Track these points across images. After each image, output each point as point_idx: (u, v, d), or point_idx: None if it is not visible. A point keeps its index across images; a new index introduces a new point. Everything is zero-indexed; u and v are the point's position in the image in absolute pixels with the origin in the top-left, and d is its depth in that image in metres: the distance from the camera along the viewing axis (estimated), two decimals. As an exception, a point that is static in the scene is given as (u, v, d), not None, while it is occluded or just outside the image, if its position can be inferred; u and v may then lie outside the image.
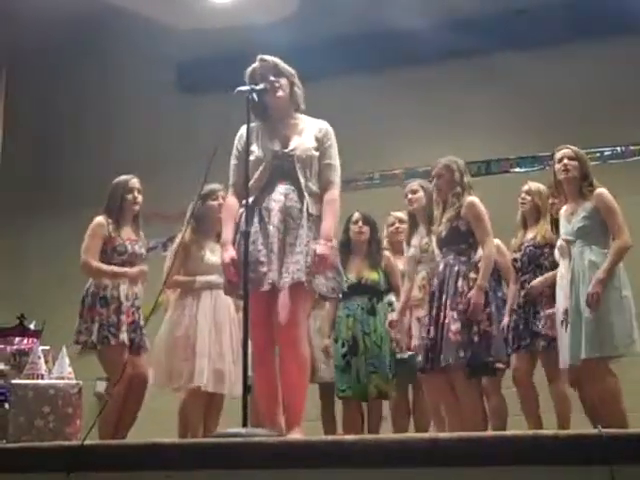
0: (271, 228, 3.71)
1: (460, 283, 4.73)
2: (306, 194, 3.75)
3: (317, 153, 3.82)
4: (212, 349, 5.07)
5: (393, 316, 5.45)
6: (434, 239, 5.00)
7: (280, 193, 3.76)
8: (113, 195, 5.17)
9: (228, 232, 3.83)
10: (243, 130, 3.89)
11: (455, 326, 4.66)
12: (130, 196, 5.15)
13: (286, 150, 3.83)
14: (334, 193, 3.80)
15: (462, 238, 4.82)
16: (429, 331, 4.78)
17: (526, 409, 5.14)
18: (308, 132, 3.87)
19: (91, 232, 5.09)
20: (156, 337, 5.19)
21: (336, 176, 3.85)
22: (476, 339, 4.65)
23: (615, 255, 4.49)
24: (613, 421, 4.08)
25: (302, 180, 3.77)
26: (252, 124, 3.89)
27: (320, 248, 3.65)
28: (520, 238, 5.31)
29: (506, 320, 5.18)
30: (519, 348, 5.12)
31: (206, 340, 5.07)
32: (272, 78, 3.88)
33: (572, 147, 4.78)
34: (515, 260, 5.28)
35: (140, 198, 5.20)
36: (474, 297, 4.66)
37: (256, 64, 3.94)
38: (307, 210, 3.73)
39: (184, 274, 5.24)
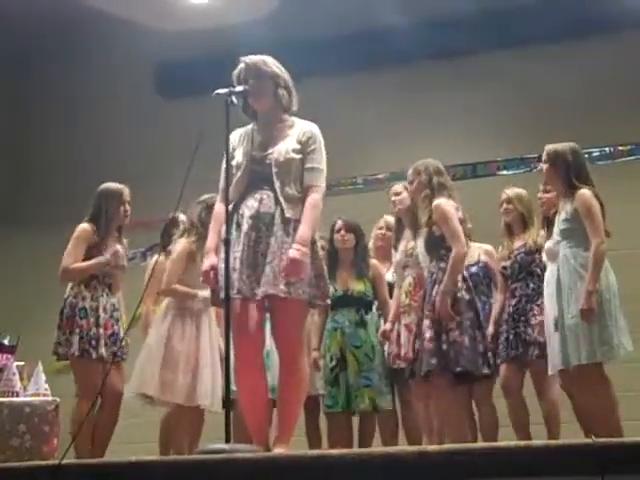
0: (242, 236, 3.63)
1: (435, 291, 4.63)
2: (282, 199, 3.65)
3: (298, 156, 3.70)
4: (213, 365, 4.91)
5: (384, 326, 5.33)
6: (419, 245, 4.88)
7: (255, 199, 3.68)
8: (103, 203, 5.00)
9: (212, 240, 3.75)
10: (234, 133, 3.82)
11: (428, 334, 4.57)
12: (122, 208, 5.03)
13: (264, 154, 3.73)
14: (315, 197, 3.68)
15: (439, 243, 4.69)
16: (413, 341, 4.71)
17: (516, 421, 5.03)
18: (292, 135, 3.76)
19: (75, 238, 4.94)
20: (145, 346, 5.00)
21: (319, 180, 3.73)
22: (444, 347, 4.54)
23: (595, 263, 4.34)
24: (608, 430, 3.97)
25: (278, 184, 3.66)
26: (248, 127, 3.83)
27: (292, 252, 3.54)
28: (508, 246, 5.20)
29: (491, 329, 5.06)
30: (509, 358, 5.01)
31: (208, 356, 4.93)
32: (252, 81, 3.77)
33: (549, 147, 4.63)
34: (505, 268, 5.17)
35: (129, 210, 5.08)
36: (437, 302, 4.56)
37: (240, 65, 3.83)
38: (282, 215, 3.63)
39: (183, 283, 5.00)
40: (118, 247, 5.00)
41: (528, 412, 5.05)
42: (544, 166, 4.63)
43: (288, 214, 3.63)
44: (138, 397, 4.97)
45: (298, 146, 3.72)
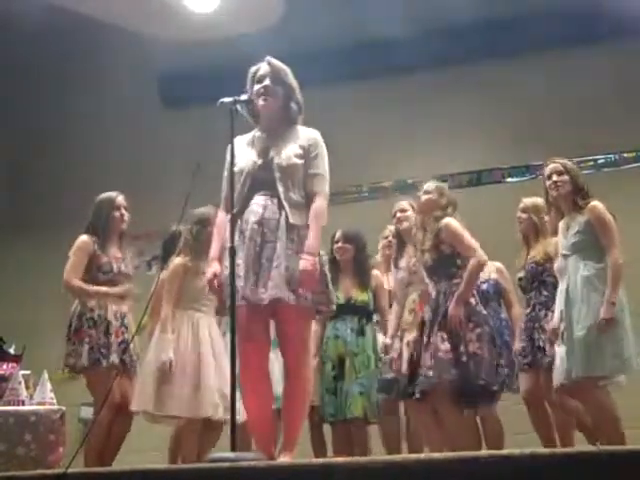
0: (247, 242, 3.61)
1: (449, 306, 4.58)
2: (286, 204, 3.63)
3: (300, 162, 3.69)
4: (216, 375, 4.86)
5: (382, 338, 5.29)
6: (424, 265, 4.82)
7: (259, 205, 3.66)
8: (98, 212, 5.04)
9: (215, 248, 3.74)
10: (238, 140, 3.79)
11: (444, 346, 4.51)
12: (117, 213, 5.03)
13: (266, 160, 3.72)
14: (320, 204, 3.67)
15: (450, 262, 4.68)
16: (413, 355, 4.64)
17: (539, 430, 4.97)
18: (295, 141, 3.75)
19: (75, 250, 4.96)
20: (145, 363, 4.92)
21: (323, 186, 3.72)
22: (464, 359, 4.49)
23: (615, 276, 4.30)
24: (611, 440, 3.92)
25: (281, 189, 3.65)
26: (250, 134, 3.81)
27: (303, 263, 3.54)
28: (524, 257, 5.17)
29: (518, 345, 5.04)
30: (525, 366, 4.98)
31: (212, 363, 4.89)
32: (267, 82, 3.76)
33: (560, 160, 4.61)
34: (520, 279, 5.16)
35: (127, 216, 5.08)
36: (450, 309, 4.54)
37: (262, 64, 3.83)
38: (287, 221, 3.61)
39: (183, 300, 4.98)
40: (130, 286, 4.98)
41: (551, 420, 4.97)
42: (563, 178, 4.52)
43: (292, 220, 3.61)
44: (141, 414, 4.92)
45: (301, 151, 3.71)
